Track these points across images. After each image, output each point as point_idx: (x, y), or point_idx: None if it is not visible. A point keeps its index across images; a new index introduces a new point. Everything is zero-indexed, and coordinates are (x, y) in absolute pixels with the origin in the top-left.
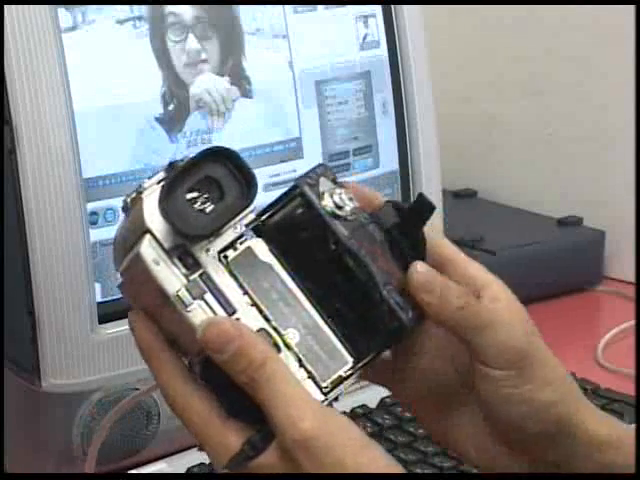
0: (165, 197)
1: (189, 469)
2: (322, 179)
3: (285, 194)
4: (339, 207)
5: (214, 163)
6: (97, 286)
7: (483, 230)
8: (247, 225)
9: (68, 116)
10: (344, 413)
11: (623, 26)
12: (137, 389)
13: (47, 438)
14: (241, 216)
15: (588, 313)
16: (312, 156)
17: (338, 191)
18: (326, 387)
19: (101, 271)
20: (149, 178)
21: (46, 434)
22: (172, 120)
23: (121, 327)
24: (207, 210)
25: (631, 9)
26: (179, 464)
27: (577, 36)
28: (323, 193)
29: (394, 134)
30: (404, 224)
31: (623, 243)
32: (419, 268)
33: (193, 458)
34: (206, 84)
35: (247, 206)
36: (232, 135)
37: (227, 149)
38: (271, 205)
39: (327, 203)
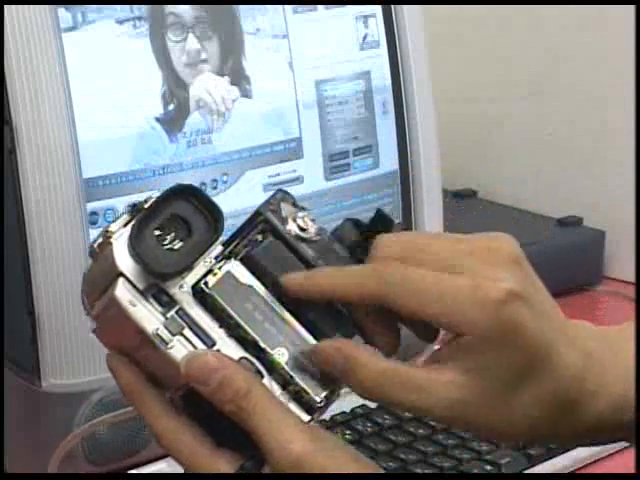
0: (134, 238)
1: None
2: (283, 204)
3: (248, 222)
4: (303, 230)
5: (179, 201)
6: None
7: (483, 230)
8: (216, 258)
9: (68, 116)
10: (344, 413)
11: (623, 26)
12: None
13: (47, 438)
14: (210, 249)
15: (588, 313)
16: (312, 156)
17: (300, 214)
18: (321, 401)
19: None
20: (114, 221)
21: (46, 434)
22: (172, 120)
23: None
24: (176, 247)
25: (631, 9)
26: None
27: (577, 36)
28: (286, 218)
29: (394, 134)
30: (364, 240)
31: (623, 243)
32: None
33: None
34: (206, 84)
35: (215, 240)
36: (232, 135)
37: (190, 186)
38: (235, 234)
39: (291, 227)
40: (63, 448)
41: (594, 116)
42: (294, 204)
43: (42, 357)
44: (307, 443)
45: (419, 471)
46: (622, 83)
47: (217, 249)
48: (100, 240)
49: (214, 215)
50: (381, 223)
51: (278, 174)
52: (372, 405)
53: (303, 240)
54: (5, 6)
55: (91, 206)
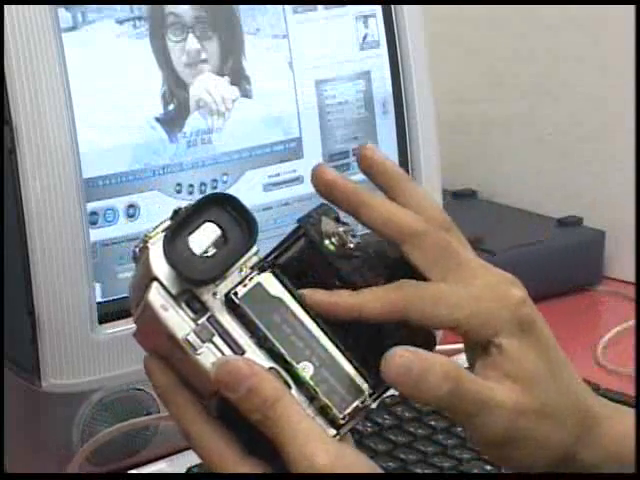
0: (169, 244)
1: (189, 469)
2: (324, 218)
3: (289, 235)
4: (342, 245)
5: (215, 208)
6: (97, 286)
7: (483, 230)
8: (252, 267)
9: (68, 116)
10: None
11: (623, 26)
12: (138, 389)
13: (47, 438)
14: (245, 258)
15: (588, 313)
16: (312, 156)
17: (341, 229)
18: (343, 419)
19: (101, 271)
20: (155, 227)
21: (46, 434)
22: (172, 120)
23: (121, 327)
24: (210, 255)
25: (631, 9)
26: (179, 464)
27: (577, 36)
28: (326, 232)
29: (394, 134)
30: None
31: (623, 243)
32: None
33: (193, 458)
34: (206, 84)
35: (249, 249)
36: (232, 135)
37: (227, 194)
38: (276, 247)
39: (330, 242)
40: (82, 454)
41: (594, 116)
42: (336, 219)
43: (42, 357)
44: (331, 457)
45: (419, 471)
46: (622, 83)
47: (253, 259)
48: (140, 244)
49: (250, 224)
50: None
51: (278, 174)
52: (372, 405)
53: (341, 256)
54: (5, 6)
55: (91, 206)
